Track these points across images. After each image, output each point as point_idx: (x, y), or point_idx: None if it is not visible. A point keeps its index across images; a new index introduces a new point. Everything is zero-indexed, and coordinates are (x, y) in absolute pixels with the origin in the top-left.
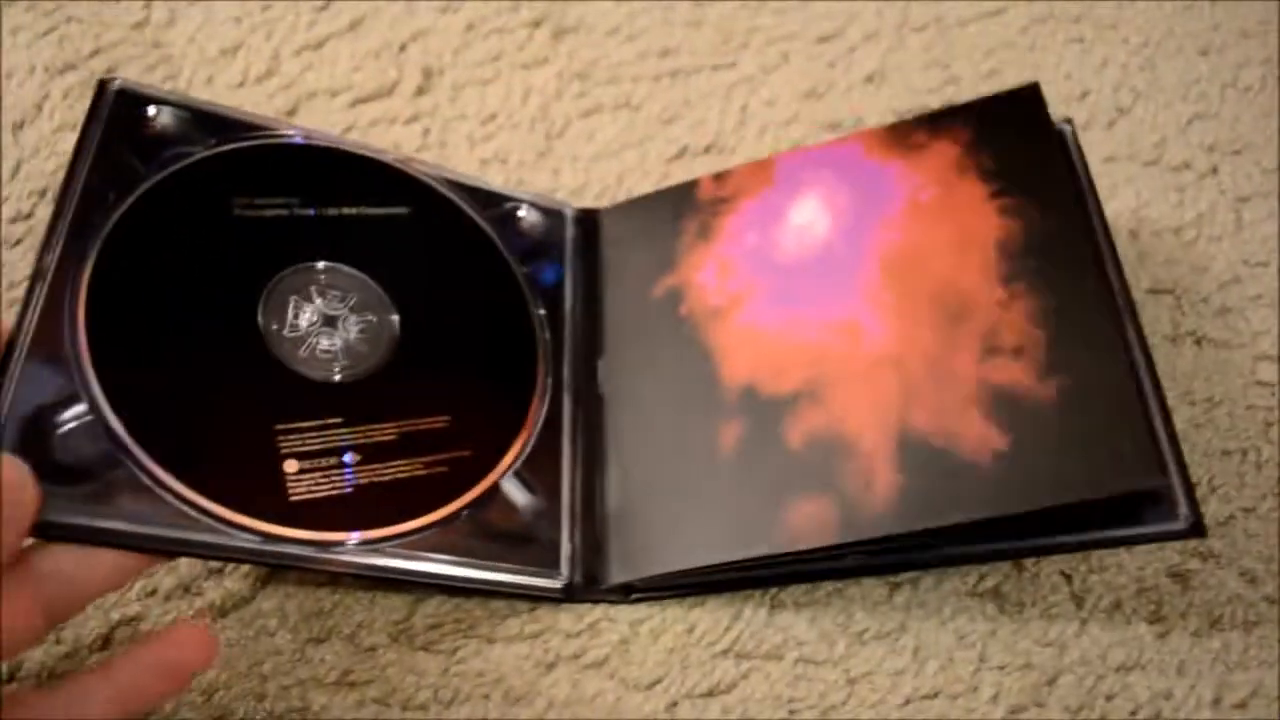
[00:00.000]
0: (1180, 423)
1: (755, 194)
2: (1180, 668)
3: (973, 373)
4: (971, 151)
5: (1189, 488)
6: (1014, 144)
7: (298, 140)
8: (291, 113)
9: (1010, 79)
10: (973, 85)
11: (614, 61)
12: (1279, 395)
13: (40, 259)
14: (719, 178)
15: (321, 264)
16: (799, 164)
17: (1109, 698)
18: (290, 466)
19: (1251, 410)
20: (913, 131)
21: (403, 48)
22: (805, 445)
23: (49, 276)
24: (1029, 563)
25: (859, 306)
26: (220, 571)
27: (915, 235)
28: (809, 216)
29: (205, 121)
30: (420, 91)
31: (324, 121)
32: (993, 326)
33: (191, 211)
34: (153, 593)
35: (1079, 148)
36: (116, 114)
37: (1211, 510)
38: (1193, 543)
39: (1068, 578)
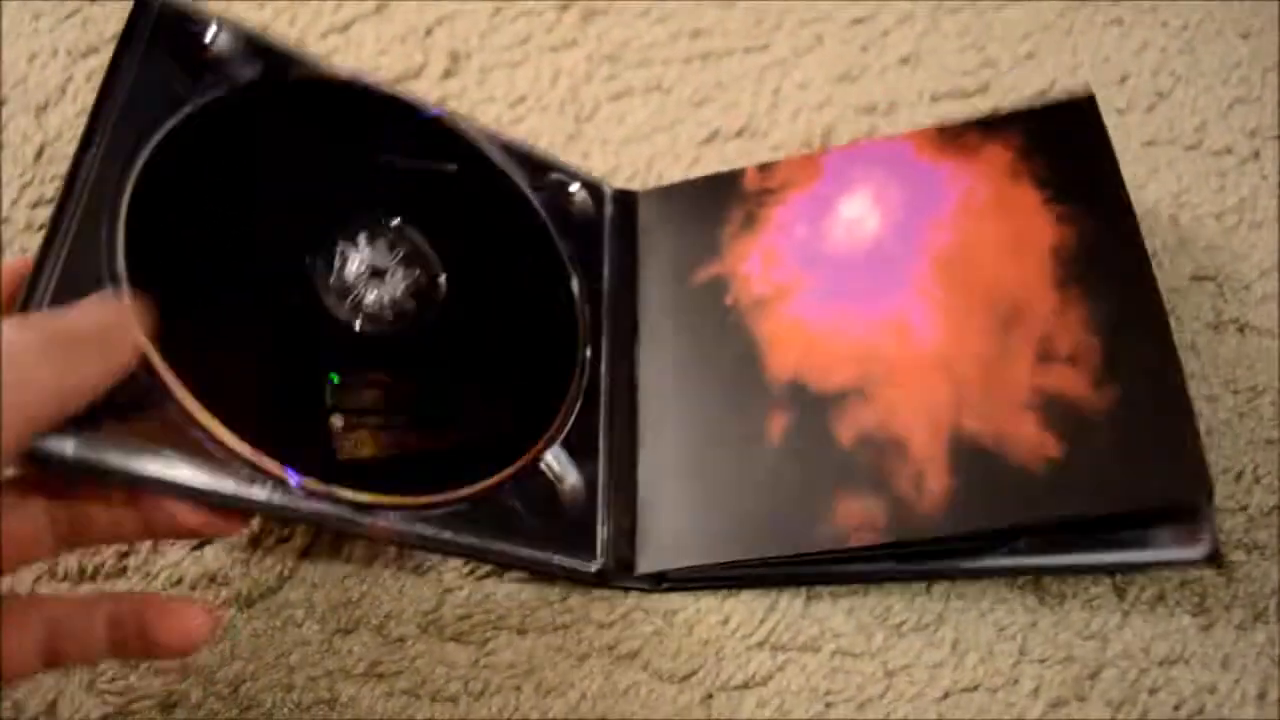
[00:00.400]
0: (1223, 412)
1: (804, 186)
2: (1225, 661)
3: (1027, 378)
4: (1025, 157)
5: (1211, 515)
6: (1068, 152)
7: (363, 83)
8: None
9: (1048, 63)
10: (1009, 68)
11: (644, 43)
12: None
13: (71, 178)
14: (765, 169)
15: (376, 215)
16: (848, 160)
17: (1152, 691)
18: (337, 421)
19: None
20: (964, 134)
21: (429, 31)
22: (856, 443)
23: (83, 197)
24: None
25: (909, 304)
26: (247, 562)
27: (968, 236)
28: (859, 212)
29: (260, 51)
30: (448, 74)
31: None
32: (1047, 332)
33: (244, 140)
34: (178, 582)
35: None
36: (161, 30)
37: (1256, 500)
38: (1236, 535)
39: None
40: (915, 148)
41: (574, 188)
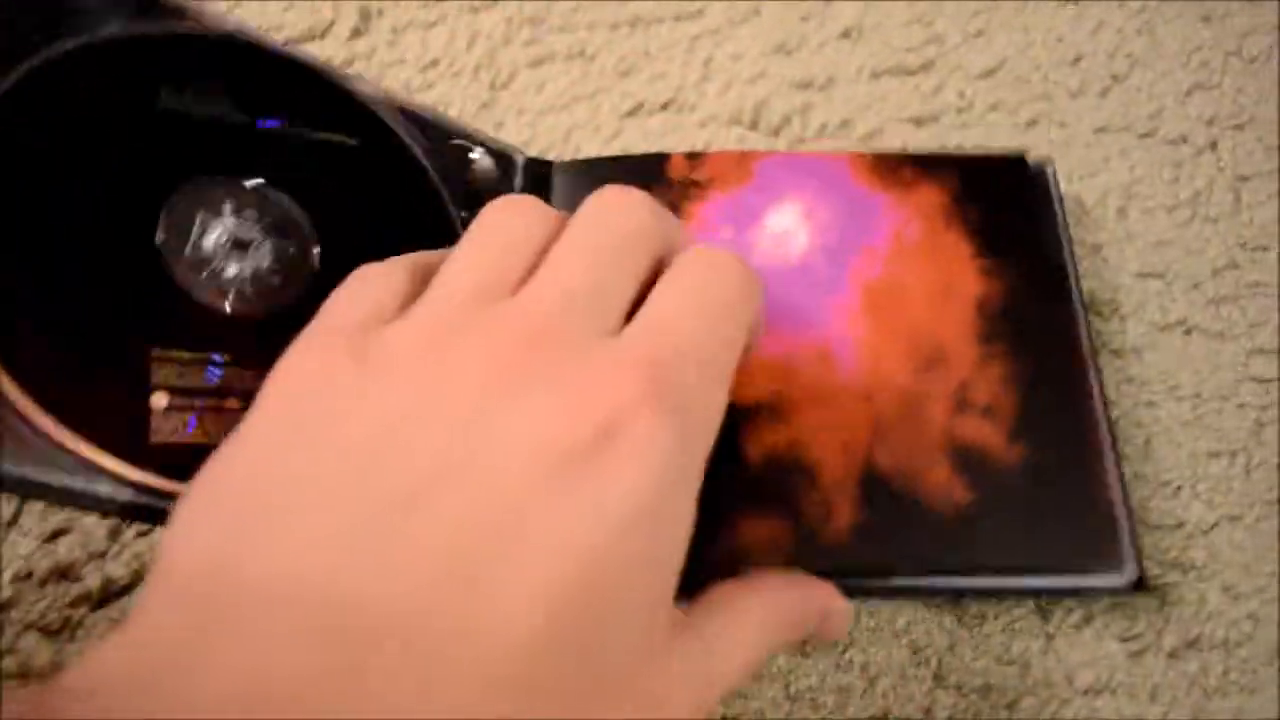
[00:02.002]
0: (1165, 419)
1: (733, 187)
2: (1154, 692)
3: (943, 422)
4: (958, 203)
5: (1134, 541)
6: (1002, 205)
7: (242, 40)
8: None
9: (998, 40)
10: (956, 45)
11: (569, 6)
12: (1275, 393)
13: None
14: (693, 159)
15: (240, 179)
16: (781, 168)
17: None
18: (159, 401)
19: (1243, 409)
20: (900, 167)
21: None
22: (764, 463)
23: None
24: None
25: (834, 330)
26: (103, 555)
27: (898, 272)
28: (788, 225)
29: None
30: (356, 34)
31: None
32: (966, 381)
33: (96, 96)
34: (26, 576)
35: (1059, 189)
36: None
37: (1195, 516)
38: (1172, 553)
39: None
40: (852, 170)
41: (475, 154)
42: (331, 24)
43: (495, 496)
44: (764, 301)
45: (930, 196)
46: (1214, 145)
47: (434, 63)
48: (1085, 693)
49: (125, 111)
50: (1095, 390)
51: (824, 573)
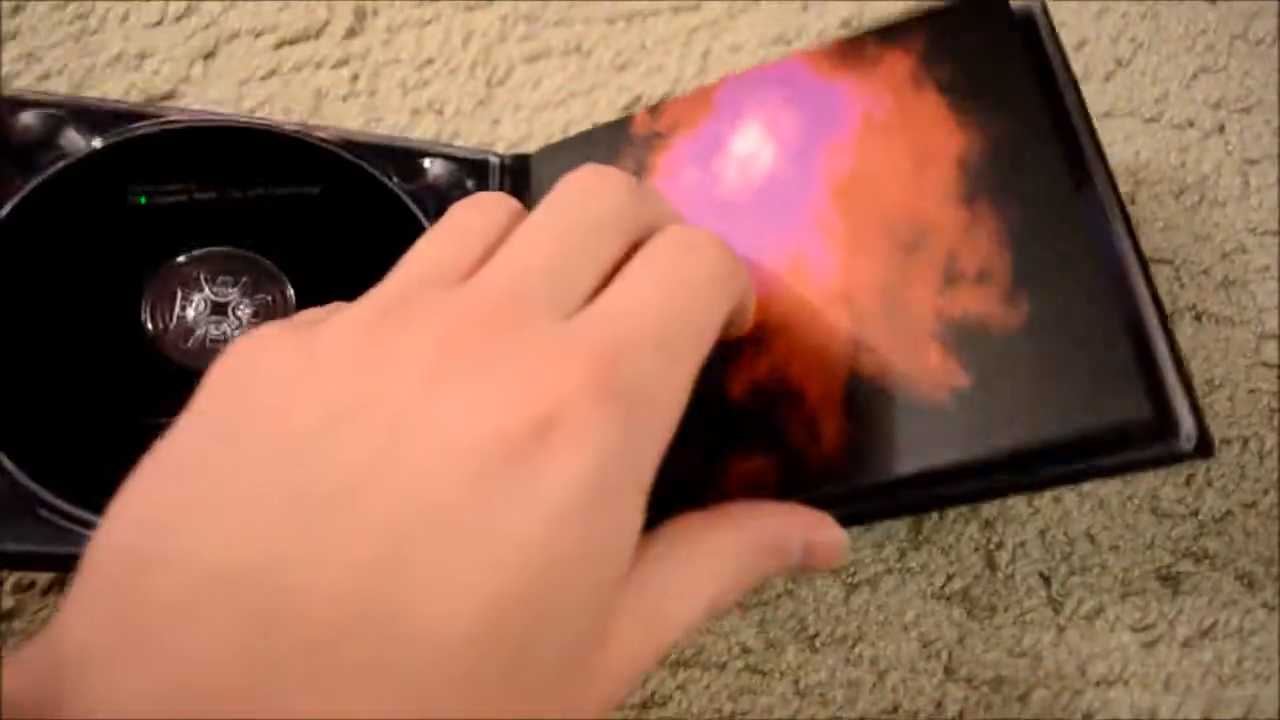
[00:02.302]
0: None
1: (694, 126)
2: (1167, 682)
3: (930, 305)
4: (927, 61)
5: (1195, 406)
6: (974, 52)
7: (188, 123)
8: (210, 55)
9: None
10: None
11: (564, 2)
12: None
13: None
14: (655, 110)
15: (206, 249)
16: (741, 88)
17: (1087, 716)
18: None
19: (1254, 394)
20: (864, 45)
21: None
22: (748, 397)
23: None
24: (1003, 563)
25: (805, 239)
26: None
27: (868, 159)
28: (752, 146)
29: (82, 118)
30: (351, 33)
31: (246, 65)
32: (953, 251)
33: (72, 212)
34: (30, 586)
35: (1053, 30)
36: None
37: (1207, 505)
38: (1184, 542)
39: (1046, 579)
40: (812, 66)
41: (426, 163)
42: (326, 24)
43: (431, 493)
44: (747, 283)
45: (896, 66)
46: (1221, 129)
47: (429, 61)
48: (1098, 684)
49: (100, 215)
50: (1115, 212)
51: (818, 500)
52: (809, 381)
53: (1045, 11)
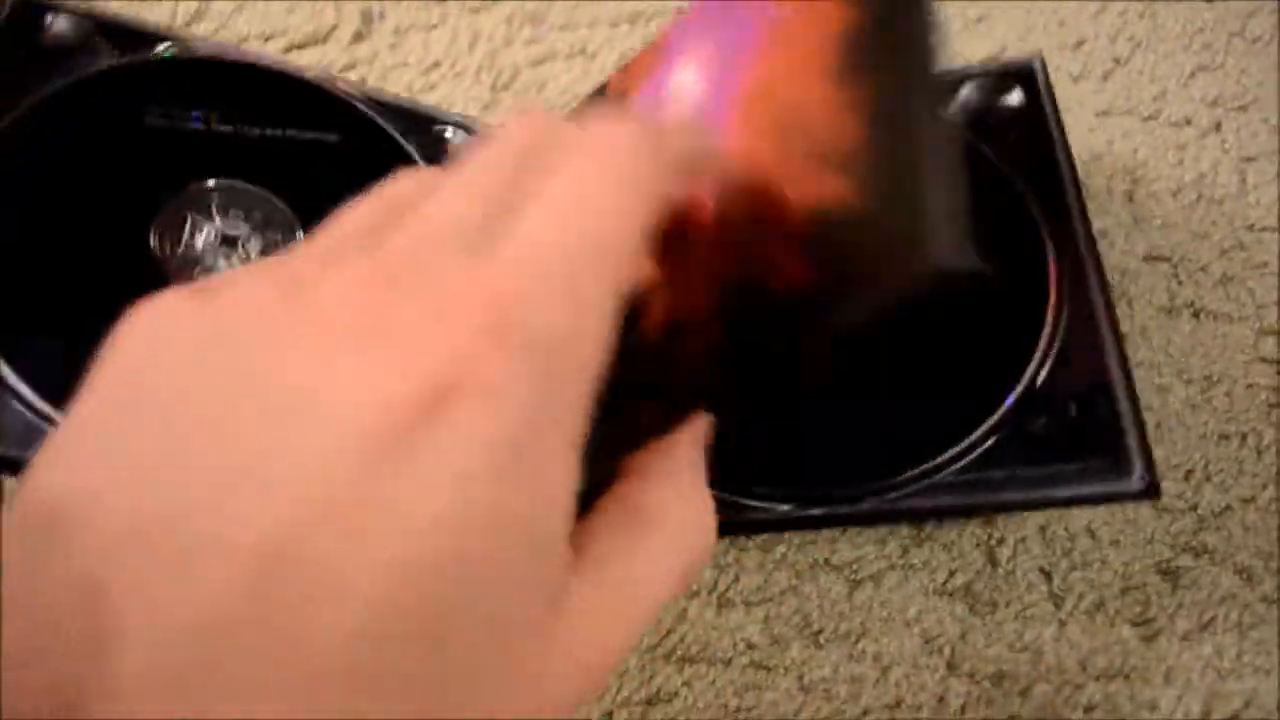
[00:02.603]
0: (1175, 403)
1: (647, 76)
2: (1168, 675)
3: (799, 199)
4: None
5: (1145, 447)
6: None
7: (215, 55)
8: None
9: (999, 27)
10: (957, 32)
11: (569, 4)
12: None
13: None
14: (625, 68)
15: (222, 181)
16: (684, 29)
17: (1088, 709)
18: None
19: (1252, 390)
20: None
21: None
22: (656, 342)
23: None
24: (1004, 558)
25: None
26: None
27: (768, 64)
28: (686, 83)
29: (110, 31)
30: (359, 37)
31: None
32: (823, 140)
33: (87, 125)
34: None
35: None
36: (14, 23)
37: (1206, 500)
38: (1184, 537)
39: (1047, 575)
40: None
41: (449, 133)
42: (334, 28)
43: (327, 474)
44: (678, 151)
45: None
46: (1218, 127)
47: (436, 64)
48: (1099, 678)
49: (115, 134)
50: None
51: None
52: (698, 307)
53: None
